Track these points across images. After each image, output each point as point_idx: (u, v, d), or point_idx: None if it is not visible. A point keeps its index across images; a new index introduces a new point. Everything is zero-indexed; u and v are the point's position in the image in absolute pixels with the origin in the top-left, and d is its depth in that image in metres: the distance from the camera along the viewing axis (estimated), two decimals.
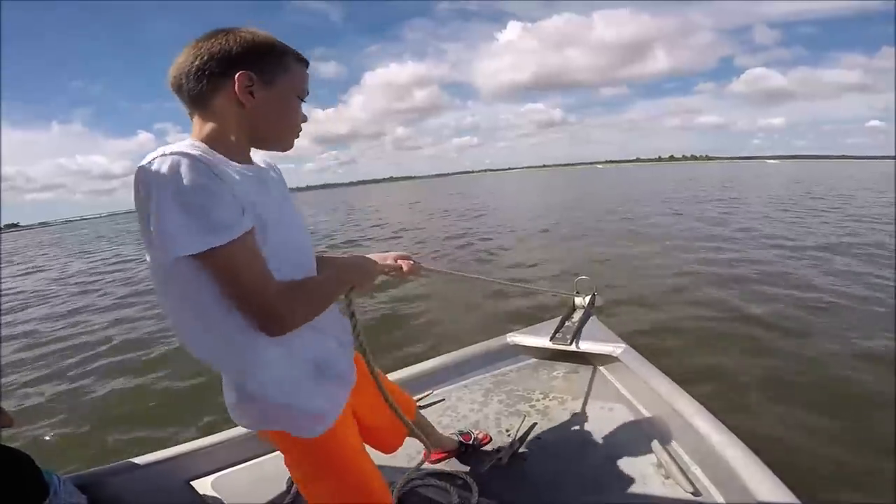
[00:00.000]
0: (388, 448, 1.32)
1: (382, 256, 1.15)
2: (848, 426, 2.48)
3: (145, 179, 0.66)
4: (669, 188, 25.25)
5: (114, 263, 13.40)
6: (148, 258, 0.73)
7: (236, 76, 0.75)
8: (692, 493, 1.32)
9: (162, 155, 0.66)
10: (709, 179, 34.99)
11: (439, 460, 1.61)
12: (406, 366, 2.12)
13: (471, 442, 1.65)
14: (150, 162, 0.66)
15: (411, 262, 1.19)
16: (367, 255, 1.09)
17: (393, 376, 2.00)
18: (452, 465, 1.59)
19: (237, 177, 0.73)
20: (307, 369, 0.87)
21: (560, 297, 2.45)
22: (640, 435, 1.61)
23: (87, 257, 16.73)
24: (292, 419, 0.85)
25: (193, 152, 0.67)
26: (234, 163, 0.77)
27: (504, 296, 5.49)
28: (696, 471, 1.42)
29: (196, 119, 0.79)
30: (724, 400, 2.67)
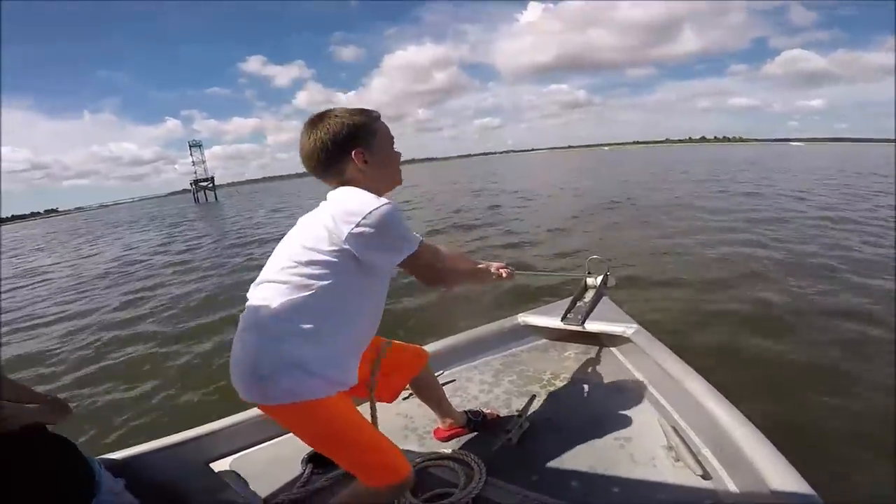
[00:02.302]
0: (388, 397, 1.46)
1: (488, 265, 1.48)
2: None
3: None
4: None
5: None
6: (310, 251, 1.02)
7: (353, 154, 1.09)
8: (702, 476, 1.29)
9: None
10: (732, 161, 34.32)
11: (449, 436, 1.62)
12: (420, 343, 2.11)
13: (479, 419, 1.65)
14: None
15: (509, 270, 1.51)
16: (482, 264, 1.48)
17: None
18: (461, 445, 1.59)
19: None
20: (345, 358, 1.10)
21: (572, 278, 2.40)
22: (650, 416, 1.58)
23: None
24: (318, 386, 1.01)
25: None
26: None
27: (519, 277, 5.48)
28: (707, 453, 1.39)
29: (336, 183, 1.13)
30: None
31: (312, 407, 1.02)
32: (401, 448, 1.39)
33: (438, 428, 1.65)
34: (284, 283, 1.03)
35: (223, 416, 1.72)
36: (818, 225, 7.98)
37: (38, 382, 4.31)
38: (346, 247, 1.00)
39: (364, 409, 1.68)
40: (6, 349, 5.60)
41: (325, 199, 1.10)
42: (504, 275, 1.50)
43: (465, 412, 1.66)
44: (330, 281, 1.02)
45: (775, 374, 3.01)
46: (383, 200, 1.01)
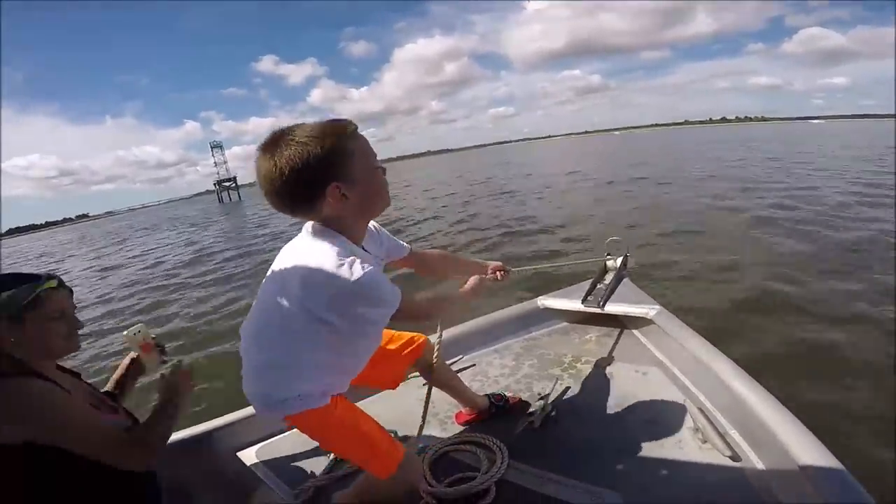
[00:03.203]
0: (391, 383, 1.48)
1: (483, 267, 1.51)
2: None
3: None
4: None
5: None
6: (284, 309, 0.98)
7: (327, 190, 0.92)
8: (731, 458, 1.26)
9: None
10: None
11: (470, 421, 1.62)
12: (435, 331, 2.10)
13: (501, 403, 1.64)
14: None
15: (505, 271, 1.52)
16: (476, 261, 1.54)
17: None
18: (484, 429, 1.58)
19: None
20: (339, 376, 1.13)
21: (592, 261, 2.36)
22: (675, 398, 1.54)
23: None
24: (313, 400, 1.05)
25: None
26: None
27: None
28: (735, 434, 1.35)
29: (312, 218, 1.01)
30: None
31: (308, 416, 1.06)
32: (423, 433, 1.39)
33: (460, 412, 1.65)
34: (266, 333, 1.05)
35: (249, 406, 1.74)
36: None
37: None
38: (326, 314, 0.94)
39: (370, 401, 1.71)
40: None
41: (306, 232, 1.02)
42: (499, 277, 1.51)
43: (487, 396, 1.65)
44: (318, 332, 0.98)
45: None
46: (357, 268, 0.89)
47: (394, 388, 1.50)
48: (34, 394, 0.91)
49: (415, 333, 1.50)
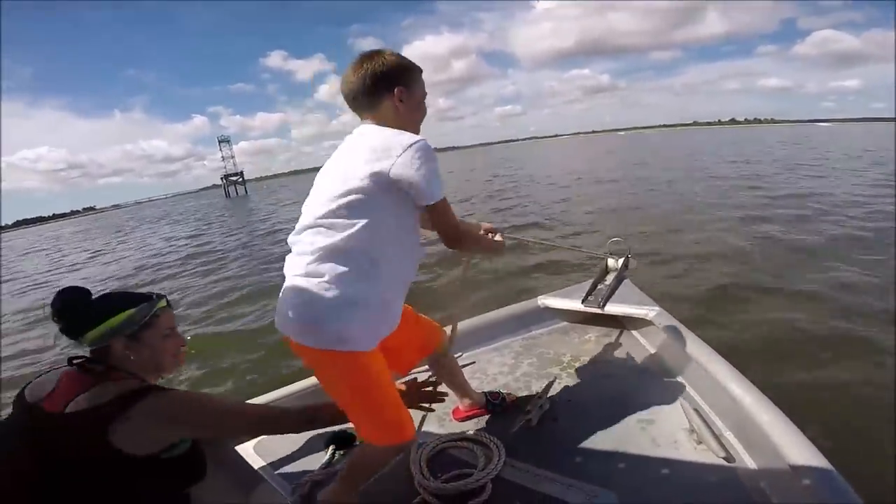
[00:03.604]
0: (403, 367, 1.47)
1: (478, 226, 1.48)
2: None
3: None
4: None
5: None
6: (347, 191, 1.02)
7: (395, 91, 1.12)
8: (725, 459, 1.27)
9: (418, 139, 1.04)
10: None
11: (467, 417, 1.63)
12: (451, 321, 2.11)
13: (498, 401, 1.65)
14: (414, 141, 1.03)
15: (500, 233, 1.47)
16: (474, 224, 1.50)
17: None
18: (480, 426, 1.60)
19: None
20: (392, 297, 1.15)
21: (591, 257, 2.37)
22: (672, 399, 1.55)
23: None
24: (365, 335, 1.07)
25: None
26: None
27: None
28: (730, 436, 1.36)
29: (369, 117, 1.16)
30: None
31: (354, 358, 1.06)
32: (420, 429, 1.40)
33: (457, 408, 1.66)
34: (328, 226, 1.05)
35: (246, 400, 1.75)
36: None
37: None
38: (387, 177, 1.01)
39: None
40: None
41: (358, 132, 1.14)
42: (498, 237, 1.45)
43: (485, 394, 1.67)
44: (370, 219, 1.03)
45: None
46: (420, 136, 1.06)
47: (404, 374, 1.51)
48: (182, 395, 0.98)
49: (437, 325, 1.56)
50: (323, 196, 1.08)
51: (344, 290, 1.03)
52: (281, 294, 1.12)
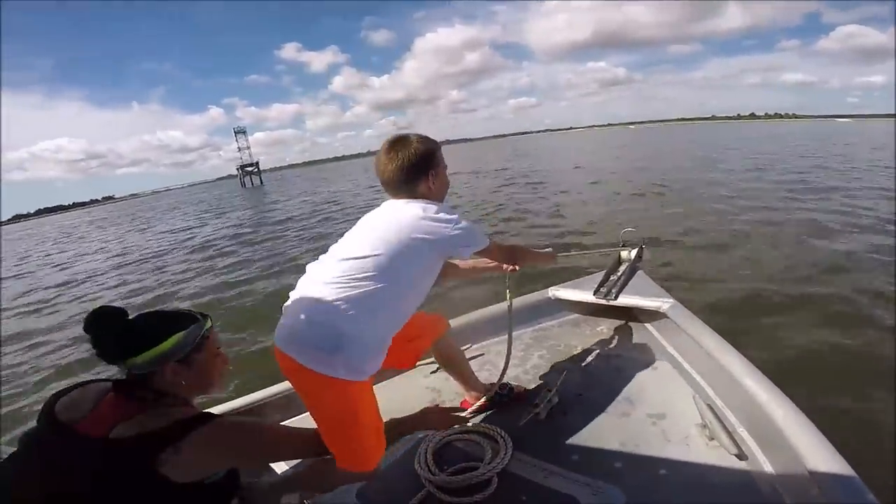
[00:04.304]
0: (409, 362, 1.56)
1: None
2: None
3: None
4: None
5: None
6: (379, 244, 1.17)
7: (429, 173, 1.31)
8: (737, 456, 1.23)
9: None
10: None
11: (475, 409, 1.62)
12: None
13: (505, 392, 1.64)
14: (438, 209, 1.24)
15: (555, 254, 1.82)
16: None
17: None
18: (488, 418, 1.58)
19: None
20: (395, 331, 1.24)
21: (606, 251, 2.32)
22: (684, 394, 1.52)
23: None
24: (366, 368, 1.14)
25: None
26: None
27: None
28: (743, 433, 1.33)
29: (404, 196, 1.30)
30: None
31: (352, 385, 1.11)
32: None
33: (465, 400, 1.65)
34: (367, 269, 1.15)
35: (244, 394, 1.75)
36: None
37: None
38: (436, 243, 1.20)
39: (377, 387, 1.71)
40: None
41: (391, 204, 1.30)
42: (548, 249, 1.78)
43: (493, 385, 1.65)
44: (406, 274, 1.19)
45: None
46: (457, 215, 1.25)
47: (410, 368, 1.58)
48: (237, 426, 0.97)
49: (438, 315, 1.62)
50: (367, 241, 1.21)
51: (365, 329, 1.12)
52: (291, 313, 1.17)
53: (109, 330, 0.86)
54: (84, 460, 0.79)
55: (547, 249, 1.79)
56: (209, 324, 0.97)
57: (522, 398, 1.65)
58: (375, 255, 1.16)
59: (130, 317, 0.89)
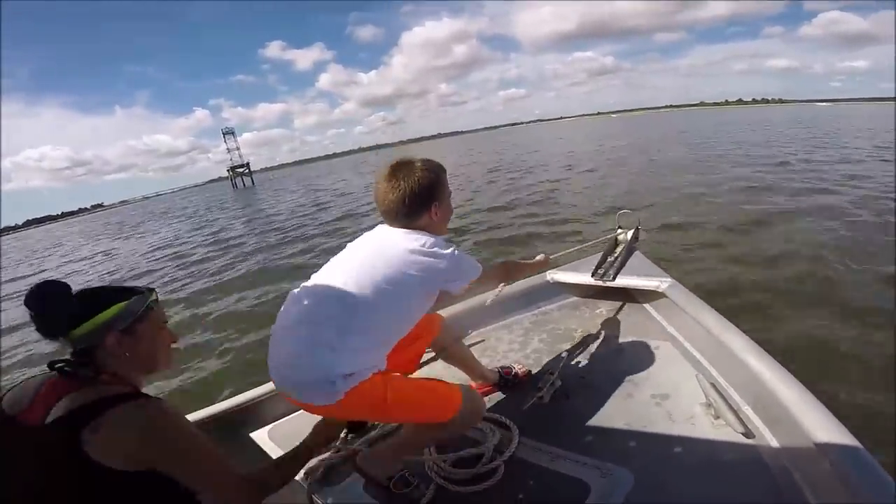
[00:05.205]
0: (410, 367, 1.51)
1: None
2: None
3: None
4: None
5: None
6: (384, 281, 1.11)
7: (432, 206, 1.22)
8: (744, 434, 1.22)
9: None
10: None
11: (481, 394, 1.60)
12: (444, 307, 2.08)
13: (510, 375, 1.64)
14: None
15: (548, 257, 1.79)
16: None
17: None
18: (493, 404, 1.57)
19: None
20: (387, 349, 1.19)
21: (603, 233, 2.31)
22: (687, 373, 1.51)
23: None
24: (363, 373, 1.09)
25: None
26: None
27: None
28: (748, 411, 1.32)
29: (401, 225, 1.22)
30: None
31: (359, 391, 1.07)
32: None
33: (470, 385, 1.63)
34: (352, 302, 1.09)
35: (258, 386, 1.73)
36: None
37: None
38: (426, 281, 1.14)
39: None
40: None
41: (383, 233, 1.23)
42: (541, 257, 1.74)
43: (497, 370, 1.65)
44: (398, 307, 1.14)
45: None
46: (452, 248, 1.18)
47: (412, 373, 1.51)
48: (168, 413, 0.84)
49: (430, 315, 1.52)
50: (352, 270, 1.15)
51: (355, 360, 1.08)
52: (277, 353, 1.13)
53: (52, 303, 0.83)
54: (22, 449, 0.76)
55: (539, 257, 1.72)
56: (154, 296, 0.94)
57: (526, 381, 1.65)
58: (362, 290, 1.10)
59: (73, 291, 0.86)
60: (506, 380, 1.63)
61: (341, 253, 1.25)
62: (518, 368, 1.67)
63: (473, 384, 1.63)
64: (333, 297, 1.12)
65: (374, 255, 1.17)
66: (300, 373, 1.08)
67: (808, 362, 2.49)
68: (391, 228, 1.23)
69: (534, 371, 1.70)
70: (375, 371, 1.12)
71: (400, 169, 1.20)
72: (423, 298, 1.20)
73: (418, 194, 1.18)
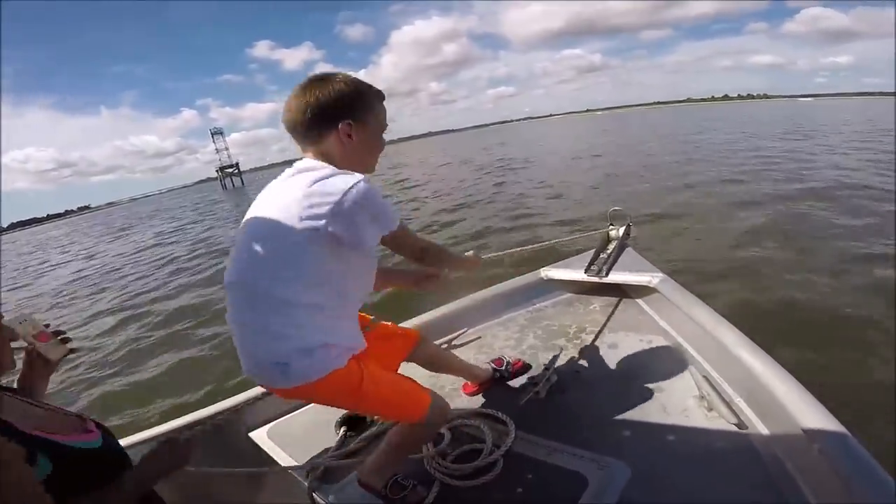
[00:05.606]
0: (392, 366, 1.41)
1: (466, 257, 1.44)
2: None
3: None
4: None
5: None
6: (288, 240, 0.93)
7: (339, 126, 1.00)
8: (736, 426, 1.25)
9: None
10: None
11: (477, 391, 1.63)
12: (439, 305, 2.10)
13: (503, 367, 1.65)
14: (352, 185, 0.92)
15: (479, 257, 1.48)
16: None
17: (426, 317, 2.01)
18: (489, 400, 1.58)
19: None
20: (349, 317, 1.10)
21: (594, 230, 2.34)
22: (680, 367, 1.53)
23: None
24: (332, 358, 1.00)
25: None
26: None
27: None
28: (741, 402, 1.34)
29: (311, 151, 1.04)
30: None
31: (334, 378, 1.01)
32: None
33: (466, 384, 1.65)
34: (270, 264, 0.97)
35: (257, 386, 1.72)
36: None
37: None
38: (327, 227, 0.92)
39: None
40: None
41: (294, 169, 1.02)
42: (469, 253, 1.46)
43: (490, 364, 1.66)
44: (315, 256, 0.95)
45: None
46: (358, 177, 0.94)
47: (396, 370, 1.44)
48: None
49: (409, 329, 1.50)
50: (262, 232, 1.00)
51: (304, 333, 0.97)
52: (240, 341, 1.05)
53: None
54: None
55: (468, 253, 1.45)
56: None
57: (520, 371, 1.66)
58: (266, 257, 0.97)
59: None
60: (499, 372, 1.64)
61: (250, 209, 1.07)
62: (513, 361, 1.68)
63: (468, 381, 1.64)
64: (247, 271, 1.00)
65: (276, 204, 0.99)
66: (254, 358, 1.02)
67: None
68: (299, 162, 1.04)
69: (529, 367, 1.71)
70: (349, 352, 1.05)
71: (316, 78, 1.02)
72: (341, 255, 0.98)
73: (324, 105, 0.98)
